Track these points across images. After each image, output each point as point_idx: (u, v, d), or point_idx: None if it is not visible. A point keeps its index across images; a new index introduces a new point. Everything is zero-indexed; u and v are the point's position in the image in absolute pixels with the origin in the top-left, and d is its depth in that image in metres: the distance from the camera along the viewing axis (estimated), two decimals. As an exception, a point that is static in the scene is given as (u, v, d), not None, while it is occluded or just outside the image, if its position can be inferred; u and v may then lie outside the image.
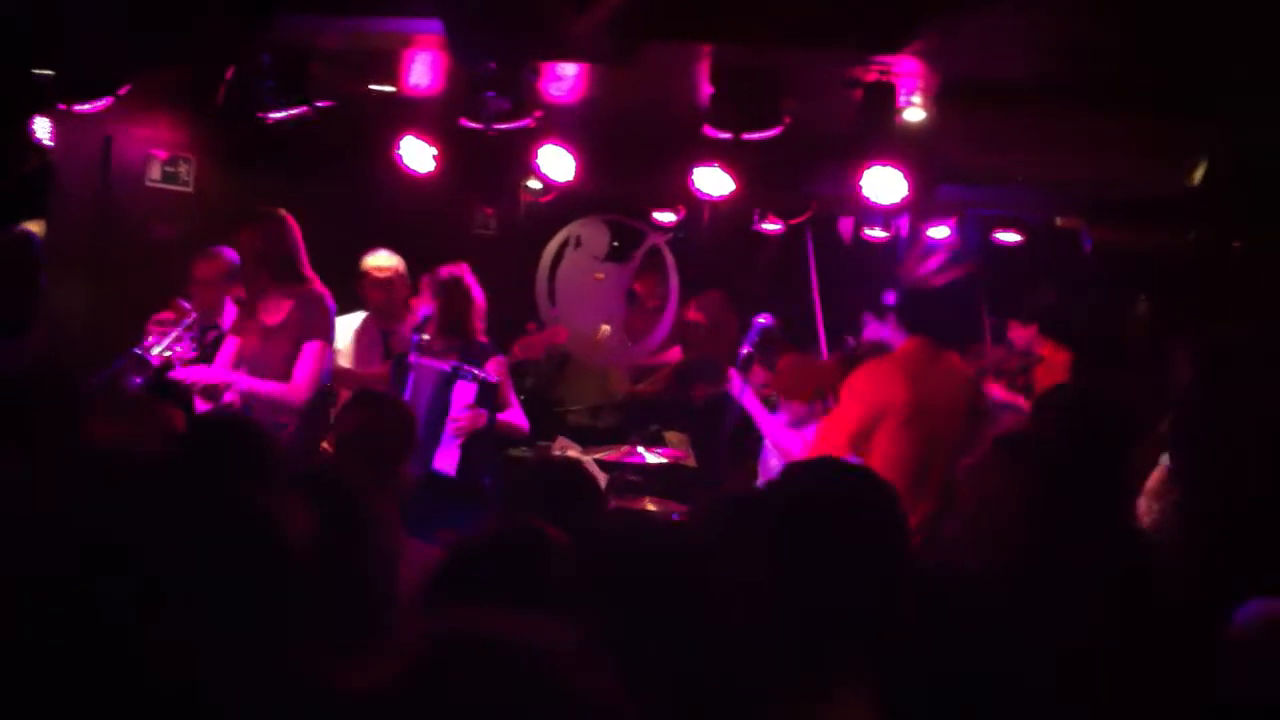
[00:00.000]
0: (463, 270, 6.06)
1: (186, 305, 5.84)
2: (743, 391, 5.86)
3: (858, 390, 5.05)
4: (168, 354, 5.69)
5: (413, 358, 5.89)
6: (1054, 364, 8.01)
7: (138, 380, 5.64)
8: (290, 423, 5.73)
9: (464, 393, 5.83)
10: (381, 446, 4.04)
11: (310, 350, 5.70)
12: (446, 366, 5.85)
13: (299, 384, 5.67)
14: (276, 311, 5.78)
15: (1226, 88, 5.14)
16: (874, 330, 5.37)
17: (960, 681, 2.20)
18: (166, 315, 5.80)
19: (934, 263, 5.40)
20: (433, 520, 4.59)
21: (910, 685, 2.16)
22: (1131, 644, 2.32)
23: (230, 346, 5.78)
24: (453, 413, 5.80)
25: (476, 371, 5.82)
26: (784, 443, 5.79)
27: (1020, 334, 8.19)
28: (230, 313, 6.12)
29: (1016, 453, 3.37)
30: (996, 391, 7.97)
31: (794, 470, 2.80)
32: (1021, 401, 7.89)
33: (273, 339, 5.73)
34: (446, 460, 5.83)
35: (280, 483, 2.59)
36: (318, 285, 5.86)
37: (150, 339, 5.72)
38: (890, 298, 5.21)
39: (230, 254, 6.12)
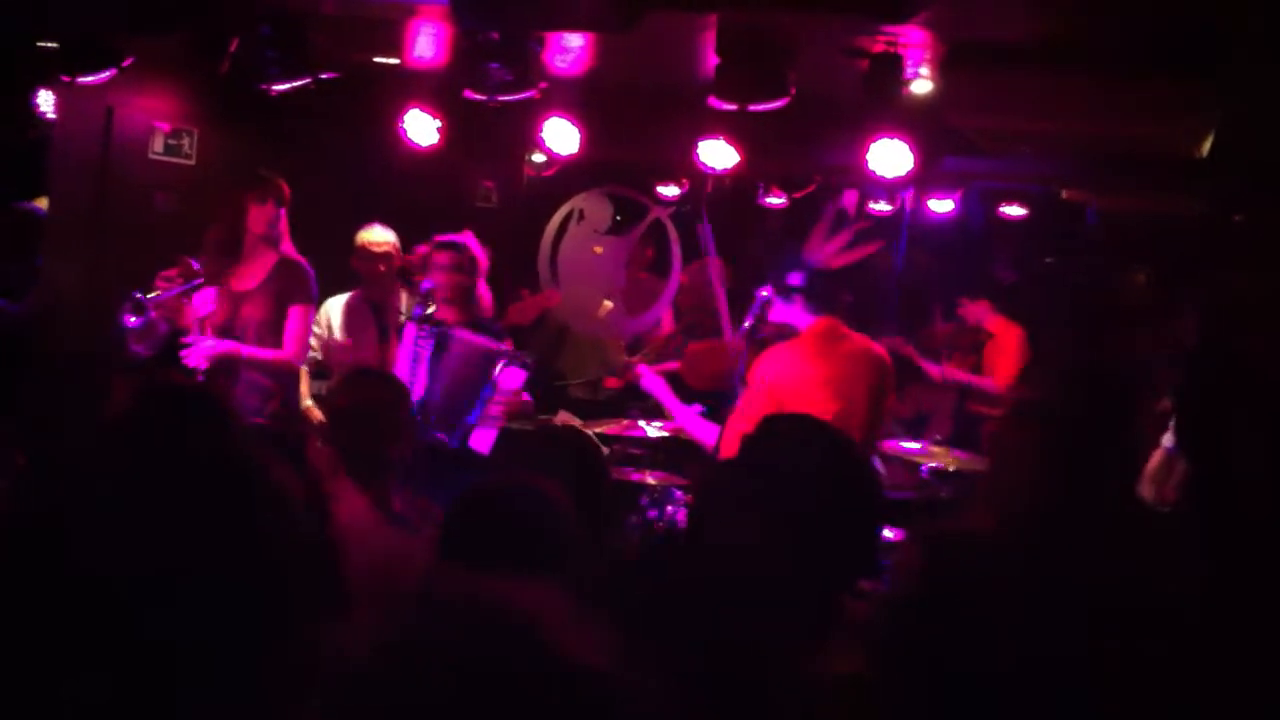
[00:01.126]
0: (469, 238, 6.04)
1: (196, 265, 5.82)
2: (652, 381, 5.87)
3: (764, 375, 5.07)
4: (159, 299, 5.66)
5: (455, 332, 5.83)
6: (1003, 341, 8.05)
7: (141, 349, 5.64)
8: (279, 392, 5.76)
9: (511, 376, 5.82)
10: (376, 423, 4.04)
11: (297, 314, 5.80)
12: (491, 344, 5.80)
13: (293, 348, 5.80)
14: (252, 276, 5.82)
15: (1237, 45, 5.10)
16: (780, 311, 5.36)
17: (967, 643, 2.20)
18: (172, 272, 5.79)
19: (840, 240, 5.40)
20: None
21: (914, 645, 2.16)
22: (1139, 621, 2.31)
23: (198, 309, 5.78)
24: (500, 394, 5.78)
25: (526, 359, 5.83)
26: (697, 433, 5.76)
27: (971, 310, 8.23)
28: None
29: (1036, 416, 3.38)
30: (954, 373, 8.03)
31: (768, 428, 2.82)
32: (986, 382, 7.95)
33: (248, 303, 5.78)
34: (483, 440, 5.82)
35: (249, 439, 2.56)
36: (293, 251, 5.90)
37: (156, 294, 5.72)
38: (795, 278, 5.22)
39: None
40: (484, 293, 6.00)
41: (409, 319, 5.98)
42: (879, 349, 5.44)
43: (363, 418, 4.05)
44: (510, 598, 1.33)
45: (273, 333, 5.77)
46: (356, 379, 4.42)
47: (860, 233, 5.46)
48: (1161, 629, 2.04)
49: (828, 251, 5.38)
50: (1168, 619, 2.07)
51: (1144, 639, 2.02)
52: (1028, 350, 7.98)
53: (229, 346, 5.66)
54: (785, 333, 5.39)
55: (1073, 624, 2.02)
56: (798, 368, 5.06)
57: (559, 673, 1.27)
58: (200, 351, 5.60)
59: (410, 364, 5.81)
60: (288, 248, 5.91)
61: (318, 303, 6.15)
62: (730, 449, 5.09)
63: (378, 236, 6.69)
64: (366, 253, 6.66)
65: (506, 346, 5.82)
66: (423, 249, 6.40)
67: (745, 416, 4.99)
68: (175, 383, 4.19)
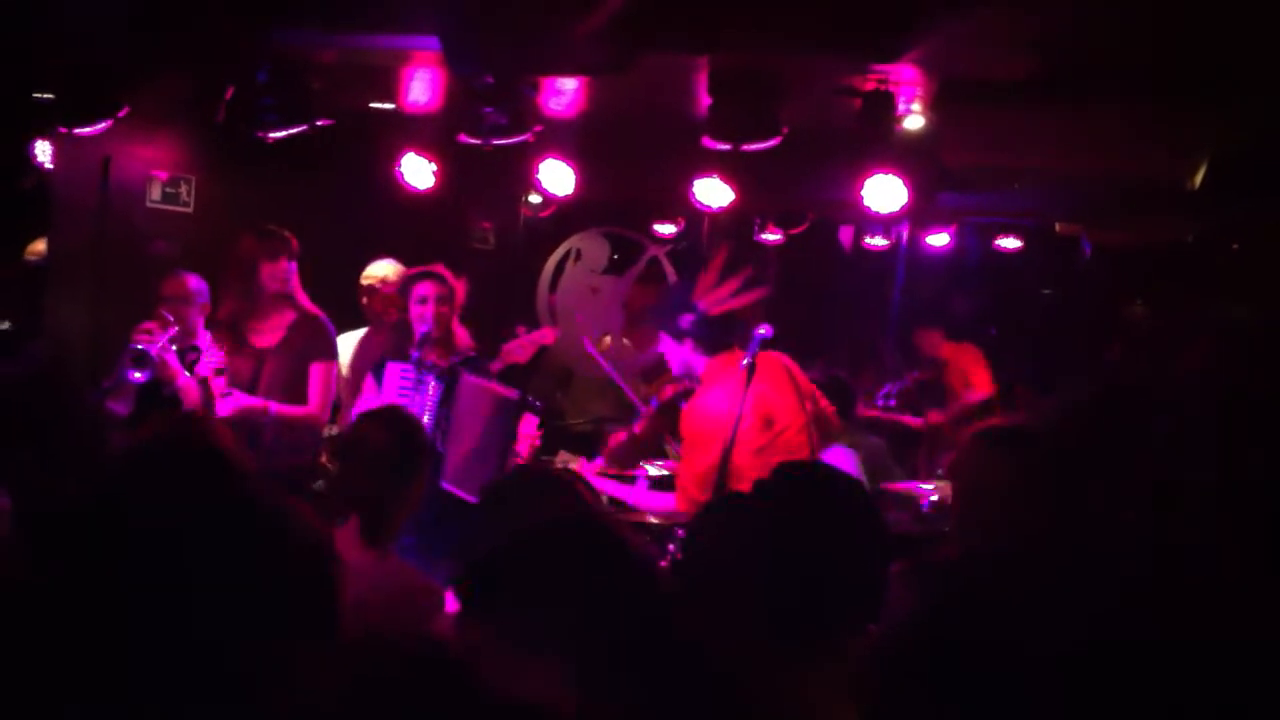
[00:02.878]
0: (441, 269, 5.92)
1: (169, 316, 5.77)
2: (599, 479, 5.87)
3: (692, 428, 5.11)
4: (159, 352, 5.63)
5: (466, 379, 5.60)
6: (962, 359, 8.23)
7: (119, 407, 5.59)
8: (304, 448, 5.72)
9: (528, 422, 5.73)
10: (391, 464, 3.88)
11: (319, 371, 5.76)
12: (500, 390, 5.67)
13: (318, 405, 5.75)
14: (271, 333, 5.79)
15: (1225, 75, 5.13)
16: (671, 351, 5.40)
17: (958, 675, 2.21)
18: (150, 325, 5.75)
19: (729, 287, 5.45)
20: None
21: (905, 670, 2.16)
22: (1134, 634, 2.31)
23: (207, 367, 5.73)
24: (521, 441, 5.68)
25: (536, 402, 5.77)
26: (650, 505, 5.75)
27: (928, 339, 8.37)
28: (204, 335, 6.06)
29: (1000, 444, 3.39)
30: (936, 416, 8.16)
31: (782, 473, 2.82)
32: (974, 395, 8.07)
33: (270, 360, 5.74)
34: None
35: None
36: (311, 305, 5.87)
37: (157, 347, 5.68)
38: (685, 321, 5.27)
39: (192, 277, 6.04)
40: (459, 330, 5.90)
41: (390, 358, 5.83)
42: (777, 356, 5.47)
43: (378, 459, 3.89)
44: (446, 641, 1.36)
45: (294, 389, 5.73)
46: (373, 416, 4.29)
47: (748, 279, 5.51)
48: (1155, 649, 2.04)
49: (716, 297, 5.41)
50: (1163, 640, 2.07)
51: (1135, 657, 2.02)
52: (987, 360, 8.18)
53: (257, 403, 5.62)
54: (688, 384, 5.47)
55: (1061, 645, 2.02)
56: (722, 405, 5.06)
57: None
58: (230, 405, 5.55)
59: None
60: (304, 301, 5.87)
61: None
62: (685, 503, 5.13)
63: (385, 270, 6.70)
64: (373, 289, 6.67)
65: (514, 394, 5.68)
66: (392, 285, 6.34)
67: (690, 469, 5.05)
68: (180, 429, 4.14)
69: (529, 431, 5.73)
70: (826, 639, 2.43)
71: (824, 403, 5.58)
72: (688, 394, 5.50)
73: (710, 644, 2.20)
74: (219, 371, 5.64)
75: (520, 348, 6.26)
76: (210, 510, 1.79)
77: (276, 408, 5.66)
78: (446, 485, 5.40)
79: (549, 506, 2.88)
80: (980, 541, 3.18)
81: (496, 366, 6.02)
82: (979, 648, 2.10)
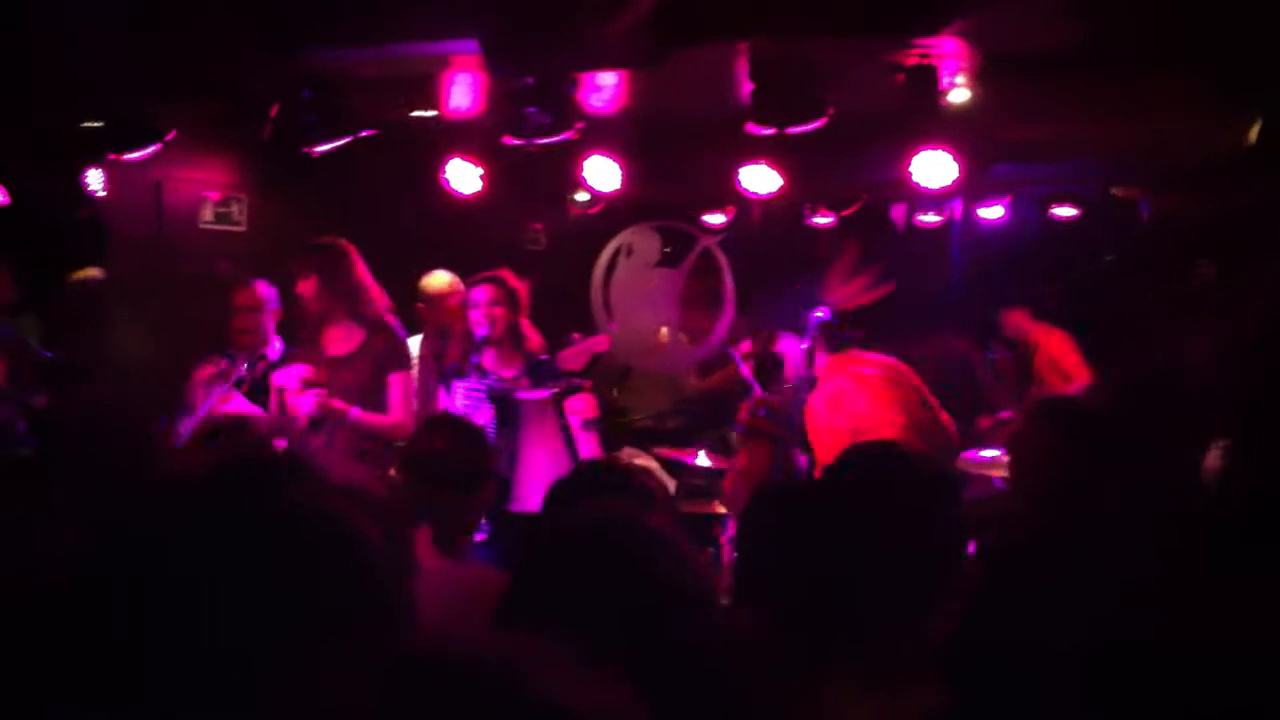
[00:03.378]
0: (506, 274, 5.89)
1: (224, 361, 5.81)
2: None
3: (825, 421, 5.05)
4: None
5: (520, 394, 5.62)
6: (1049, 349, 7.94)
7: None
8: (380, 459, 5.72)
9: (577, 404, 5.67)
10: (452, 472, 3.88)
11: (398, 380, 5.73)
12: (547, 393, 5.68)
13: (400, 414, 5.68)
14: (344, 342, 5.78)
15: (1270, 43, 5.03)
16: (792, 349, 5.35)
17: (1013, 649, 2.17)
18: (207, 371, 5.78)
19: (860, 282, 5.38)
20: None
21: (968, 659, 2.12)
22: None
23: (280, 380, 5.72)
24: (573, 424, 5.62)
25: (577, 383, 5.69)
26: None
27: (1012, 319, 8.13)
28: (275, 344, 6.10)
29: (1055, 417, 3.36)
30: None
31: (851, 455, 2.80)
32: (1071, 389, 7.82)
33: (344, 369, 5.72)
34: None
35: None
36: (387, 315, 5.86)
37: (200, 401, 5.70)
38: (815, 318, 5.21)
39: (262, 283, 6.09)
40: (530, 330, 5.88)
41: (455, 374, 5.81)
42: (898, 363, 5.42)
43: (439, 466, 3.89)
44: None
45: (369, 399, 5.68)
46: (437, 424, 4.29)
47: (876, 276, 5.46)
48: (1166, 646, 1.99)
49: (847, 293, 5.36)
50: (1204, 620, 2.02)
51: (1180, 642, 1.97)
52: (1078, 348, 7.93)
53: (338, 405, 5.56)
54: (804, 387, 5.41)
55: (1122, 624, 1.97)
56: (853, 405, 5.03)
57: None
58: (308, 401, 5.52)
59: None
60: (378, 309, 5.82)
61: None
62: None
63: (442, 281, 6.72)
64: (431, 297, 6.69)
65: (547, 393, 5.64)
66: (442, 292, 6.35)
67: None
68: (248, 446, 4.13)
69: (579, 408, 5.67)
70: (867, 634, 2.38)
71: (943, 415, 5.50)
72: (769, 409, 5.40)
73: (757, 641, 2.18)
74: (308, 383, 5.60)
75: (575, 355, 6.25)
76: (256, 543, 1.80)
77: (358, 413, 5.59)
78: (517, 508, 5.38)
79: (602, 505, 2.86)
80: (1029, 517, 3.13)
81: (555, 367, 5.99)
82: (995, 644, 2.07)
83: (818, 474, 5.08)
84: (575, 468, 4.53)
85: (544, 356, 5.86)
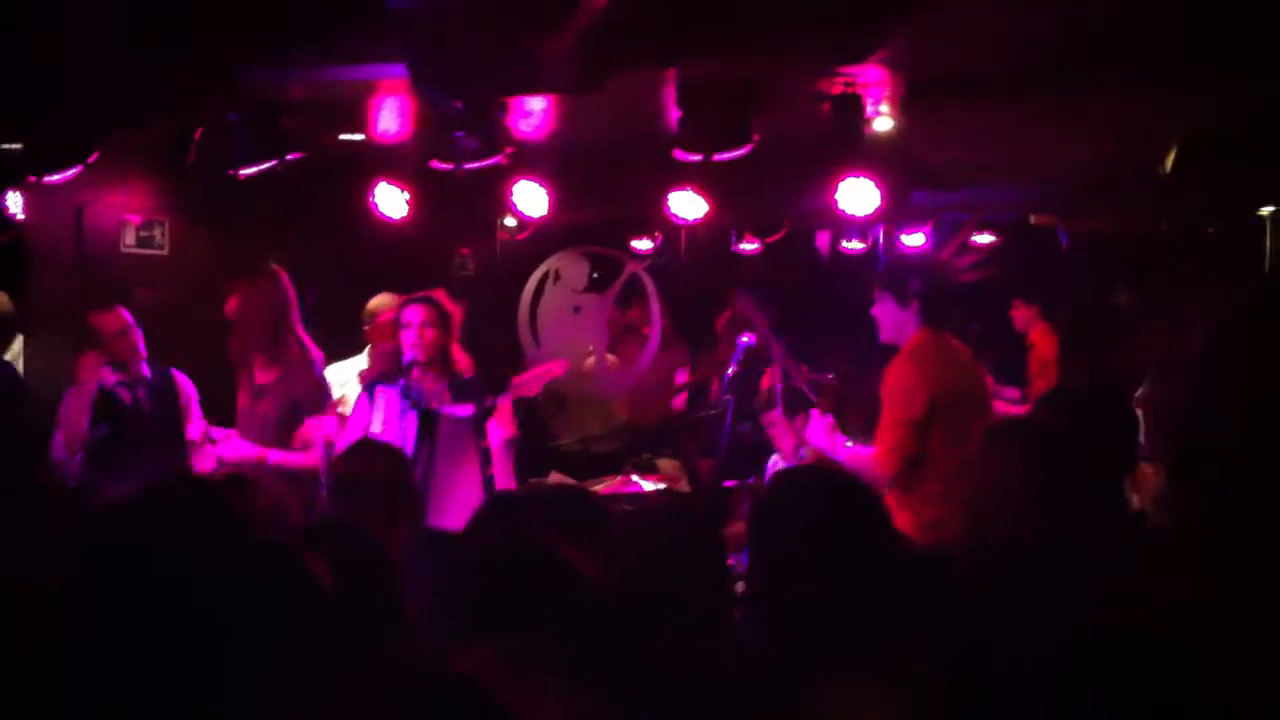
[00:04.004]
0: (440, 295, 5.87)
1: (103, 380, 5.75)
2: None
3: (918, 389, 4.97)
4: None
5: (442, 408, 5.59)
6: (1043, 349, 7.89)
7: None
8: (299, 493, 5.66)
9: (494, 424, 5.65)
10: (379, 497, 3.87)
11: (316, 422, 5.65)
12: (469, 410, 5.61)
13: (319, 452, 5.55)
14: (266, 370, 5.75)
15: (1194, 64, 5.16)
16: (889, 314, 5.25)
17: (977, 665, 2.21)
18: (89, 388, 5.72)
19: (970, 259, 5.38)
20: None
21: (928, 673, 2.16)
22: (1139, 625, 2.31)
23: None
24: (493, 445, 5.58)
25: (488, 403, 5.65)
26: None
27: (1021, 313, 8.11)
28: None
29: (1010, 440, 3.39)
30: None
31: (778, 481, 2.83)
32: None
33: (264, 399, 5.70)
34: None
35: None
36: (308, 348, 5.82)
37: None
38: (916, 284, 5.14)
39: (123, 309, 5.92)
40: (459, 354, 5.84)
41: (381, 382, 5.77)
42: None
43: (363, 490, 3.90)
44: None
45: (284, 432, 5.65)
46: (360, 452, 4.28)
47: (987, 254, 5.45)
48: (1154, 645, 2.04)
49: (959, 265, 5.35)
50: (1161, 635, 2.07)
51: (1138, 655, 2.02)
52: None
53: (255, 453, 5.55)
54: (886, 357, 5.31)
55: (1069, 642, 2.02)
56: (953, 381, 5.00)
57: None
58: (230, 450, 5.52)
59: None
60: (303, 339, 5.80)
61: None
62: (884, 468, 5.01)
63: (387, 303, 6.69)
64: (375, 319, 6.65)
65: (468, 411, 5.60)
66: (387, 315, 6.31)
67: (897, 433, 4.96)
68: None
69: (500, 428, 5.62)
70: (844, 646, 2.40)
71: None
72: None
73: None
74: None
75: (532, 380, 6.21)
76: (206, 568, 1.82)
77: (277, 457, 5.56)
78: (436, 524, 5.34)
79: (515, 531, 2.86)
80: (983, 538, 3.16)
81: (508, 399, 5.92)
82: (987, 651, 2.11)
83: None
84: (491, 500, 4.53)
85: (466, 378, 5.81)
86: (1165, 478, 3.31)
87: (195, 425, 5.85)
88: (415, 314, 5.66)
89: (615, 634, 2.02)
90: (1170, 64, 5.08)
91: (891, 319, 5.16)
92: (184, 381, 5.92)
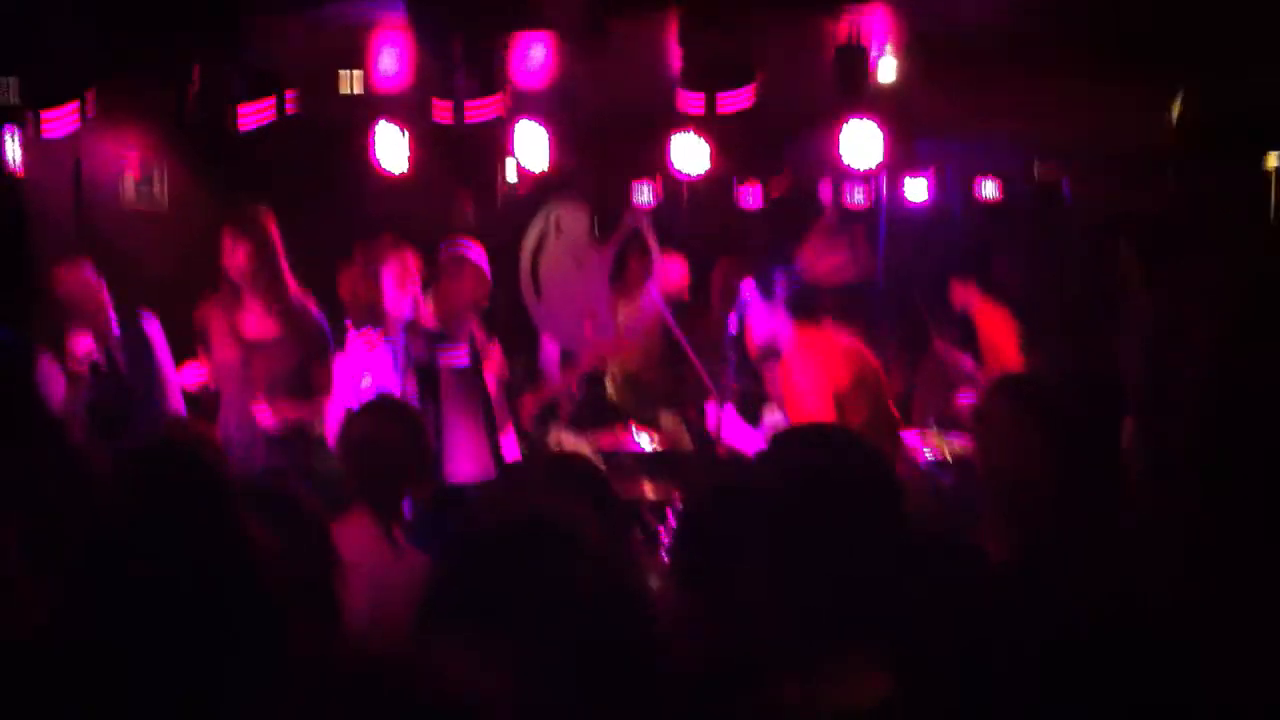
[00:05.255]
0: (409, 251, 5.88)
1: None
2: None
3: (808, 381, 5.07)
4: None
5: (441, 360, 5.60)
6: (986, 327, 7.72)
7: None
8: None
9: (489, 367, 5.64)
10: (391, 460, 3.84)
11: (323, 369, 5.64)
12: (465, 359, 5.60)
13: (326, 404, 5.61)
14: (260, 326, 5.68)
15: (1197, 40, 5.14)
16: (759, 318, 5.35)
17: (975, 649, 2.17)
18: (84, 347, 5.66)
19: (837, 260, 5.43)
20: None
21: (926, 653, 2.12)
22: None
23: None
24: (490, 388, 5.57)
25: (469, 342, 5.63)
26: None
27: (961, 291, 7.98)
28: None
29: (1025, 399, 3.27)
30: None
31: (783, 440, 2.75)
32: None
33: (260, 354, 5.61)
34: (512, 448, 5.71)
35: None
36: (302, 299, 5.77)
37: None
38: (784, 286, 5.22)
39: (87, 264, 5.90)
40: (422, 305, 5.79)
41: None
42: (862, 346, 5.48)
43: (378, 454, 3.84)
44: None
45: (291, 385, 5.59)
46: (372, 411, 4.14)
47: (856, 255, 5.52)
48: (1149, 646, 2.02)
49: (828, 266, 5.40)
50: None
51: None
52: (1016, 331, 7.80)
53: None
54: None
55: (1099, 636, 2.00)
56: (833, 374, 5.06)
57: None
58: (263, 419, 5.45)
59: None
60: (298, 289, 5.75)
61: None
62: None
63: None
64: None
65: (465, 362, 5.57)
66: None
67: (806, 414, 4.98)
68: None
69: (493, 370, 5.61)
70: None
71: (890, 400, 5.55)
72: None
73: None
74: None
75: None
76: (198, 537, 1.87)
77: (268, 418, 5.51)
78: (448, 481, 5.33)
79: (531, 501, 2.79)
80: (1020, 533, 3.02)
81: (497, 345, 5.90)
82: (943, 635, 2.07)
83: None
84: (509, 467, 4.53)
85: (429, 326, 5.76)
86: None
87: (170, 370, 5.80)
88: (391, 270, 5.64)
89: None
90: (1169, 43, 5.08)
91: (762, 324, 5.29)
92: (153, 329, 5.85)
